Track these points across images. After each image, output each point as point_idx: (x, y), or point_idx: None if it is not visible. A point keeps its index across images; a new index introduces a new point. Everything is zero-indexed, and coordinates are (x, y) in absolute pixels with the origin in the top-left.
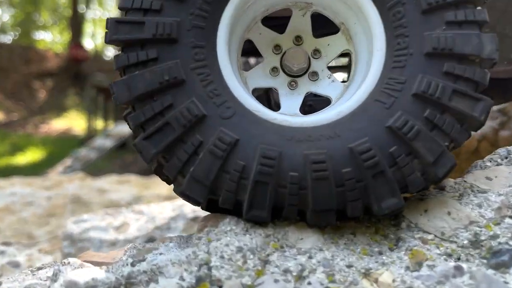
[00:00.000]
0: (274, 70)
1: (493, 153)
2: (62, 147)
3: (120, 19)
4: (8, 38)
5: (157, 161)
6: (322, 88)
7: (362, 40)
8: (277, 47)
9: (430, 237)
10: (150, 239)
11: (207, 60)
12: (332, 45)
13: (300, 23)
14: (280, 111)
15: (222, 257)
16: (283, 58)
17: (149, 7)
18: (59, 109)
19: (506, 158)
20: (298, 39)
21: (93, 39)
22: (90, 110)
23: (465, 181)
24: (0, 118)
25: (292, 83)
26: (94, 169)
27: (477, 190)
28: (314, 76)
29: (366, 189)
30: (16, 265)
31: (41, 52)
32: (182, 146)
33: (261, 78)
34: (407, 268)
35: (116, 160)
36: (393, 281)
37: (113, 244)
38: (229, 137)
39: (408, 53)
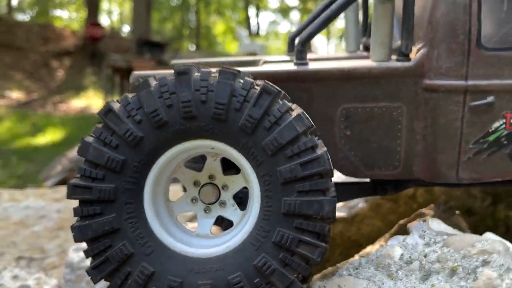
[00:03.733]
0: (194, 199)
1: (349, 261)
2: (80, 127)
3: (76, 184)
4: (25, 17)
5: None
6: (228, 213)
7: (252, 186)
8: (196, 182)
9: None
10: None
11: (136, 212)
12: (235, 182)
13: (213, 165)
14: (198, 231)
15: None
16: (200, 191)
17: (95, 176)
18: (77, 88)
19: (357, 269)
20: (211, 177)
21: (109, 16)
22: (107, 89)
23: (325, 287)
24: (20, 98)
25: (207, 209)
26: None
27: None
28: (223, 204)
29: None
30: None
31: (59, 31)
32: (118, 274)
33: (184, 205)
34: None
35: None
36: None
37: None
38: (147, 270)
39: (272, 210)
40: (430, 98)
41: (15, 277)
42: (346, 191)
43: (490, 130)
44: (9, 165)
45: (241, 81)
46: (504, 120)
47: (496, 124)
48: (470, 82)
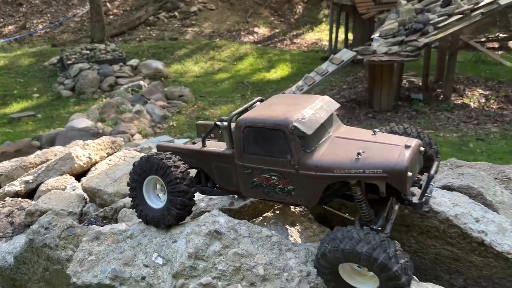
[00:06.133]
0: (160, 189)
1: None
2: (305, 62)
3: (128, 182)
4: None
5: None
6: (161, 194)
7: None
8: (160, 184)
9: None
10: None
11: (140, 191)
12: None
13: (162, 182)
14: (160, 199)
15: None
16: (159, 187)
17: (132, 181)
18: (312, 23)
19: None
20: (162, 185)
21: None
22: (332, 24)
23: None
24: (265, 33)
25: (160, 192)
26: (326, 86)
27: None
28: (164, 192)
29: None
30: None
31: None
32: (136, 207)
33: (158, 191)
34: None
35: (346, 77)
36: None
37: None
38: (139, 208)
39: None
40: (237, 165)
41: None
42: None
43: (253, 181)
44: (246, 96)
45: (165, 161)
46: (257, 178)
47: (255, 179)
48: (244, 164)
